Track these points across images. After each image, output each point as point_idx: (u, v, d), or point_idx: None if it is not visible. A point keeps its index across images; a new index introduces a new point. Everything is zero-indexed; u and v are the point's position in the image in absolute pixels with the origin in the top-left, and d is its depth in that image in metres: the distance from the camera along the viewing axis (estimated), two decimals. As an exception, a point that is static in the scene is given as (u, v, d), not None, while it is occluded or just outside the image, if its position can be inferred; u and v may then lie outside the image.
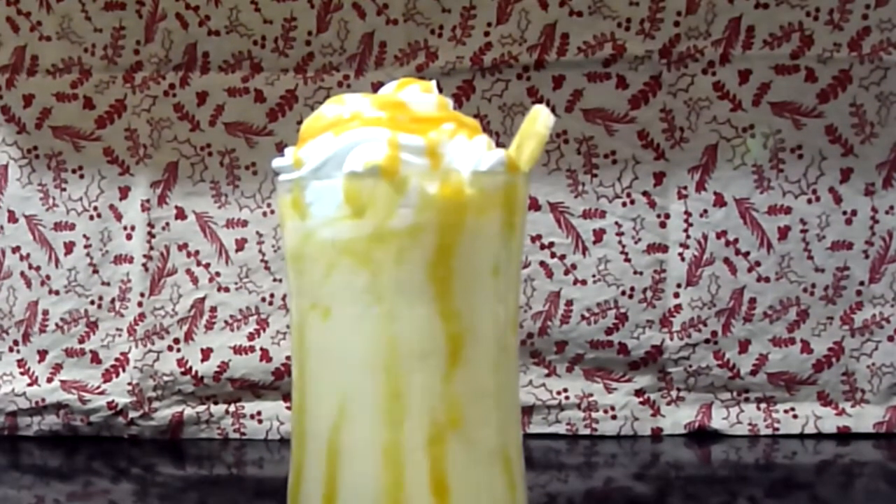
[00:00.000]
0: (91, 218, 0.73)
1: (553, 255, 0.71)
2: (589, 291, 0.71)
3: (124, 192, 0.73)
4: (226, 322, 0.73)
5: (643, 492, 0.62)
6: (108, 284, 0.73)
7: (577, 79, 0.70)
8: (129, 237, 0.73)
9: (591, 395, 0.72)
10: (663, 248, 0.71)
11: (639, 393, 0.72)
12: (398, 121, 0.36)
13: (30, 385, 0.74)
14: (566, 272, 0.71)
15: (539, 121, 0.37)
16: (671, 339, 0.71)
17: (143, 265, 0.73)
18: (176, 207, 0.73)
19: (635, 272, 0.71)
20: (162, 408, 0.73)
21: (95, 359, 0.74)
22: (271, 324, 0.73)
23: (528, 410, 0.72)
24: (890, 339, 0.71)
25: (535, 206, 0.71)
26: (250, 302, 0.73)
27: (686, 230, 0.71)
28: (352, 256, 0.35)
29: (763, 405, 0.72)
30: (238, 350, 0.73)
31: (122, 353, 0.74)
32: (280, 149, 0.38)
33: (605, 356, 0.72)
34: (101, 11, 0.72)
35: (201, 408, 0.73)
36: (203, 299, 0.73)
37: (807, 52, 0.69)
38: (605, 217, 0.71)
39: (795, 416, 0.71)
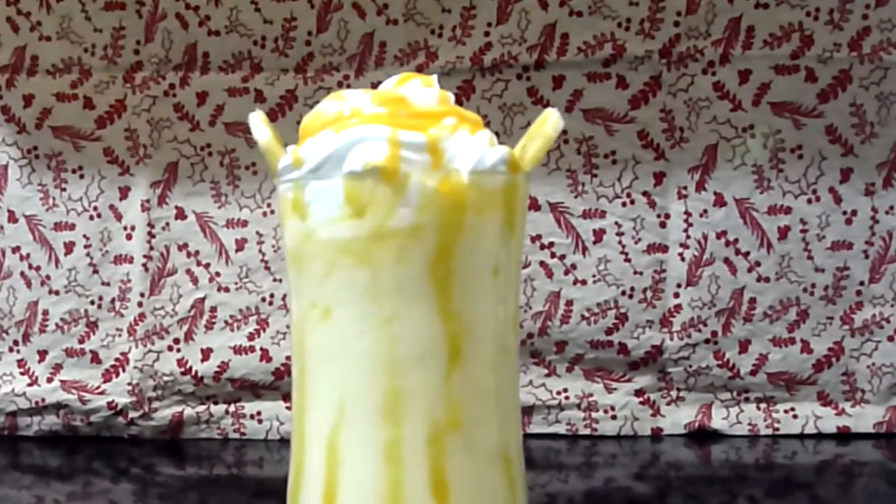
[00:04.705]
0: (91, 218, 0.73)
1: (553, 255, 0.71)
2: (589, 291, 0.71)
3: (124, 192, 0.73)
4: (226, 322, 0.73)
5: (643, 492, 0.62)
6: (108, 284, 0.73)
7: (577, 79, 0.70)
8: (129, 237, 0.73)
9: (591, 395, 0.72)
10: (663, 248, 0.71)
11: (639, 393, 0.72)
12: (398, 117, 0.35)
13: (30, 385, 0.74)
14: (566, 272, 0.71)
15: (548, 123, 0.37)
16: (671, 339, 0.71)
17: (143, 265, 0.73)
18: (176, 207, 0.73)
19: (635, 272, 0.71)
20: (162, 408, 0.73)
21: (95, 359, 0.74)
22: (271, 324, 0.73)
23: (528, 410, 0.72)
24: (890, 339, 0.71)
25: (535, 206, 0.71)
26: (250, 302, 0.73)
27: (686, 230, 0.71)
28: (352, 256, 0.35)
29: (763, 405, 0.72)
30: (238, 350, 0.73)
31: (122, 353, 0.74)
32: (280, 149, 0.38)
33: (605, 356, 0.72)
34: (101, 11, 0.72)
35: (201, 408, 0.73)
36: (203, 299, 0.73)
37: (807, 52, 0.69)
38: (605, 217, 0.71)
39: (795, 416, 0.71)
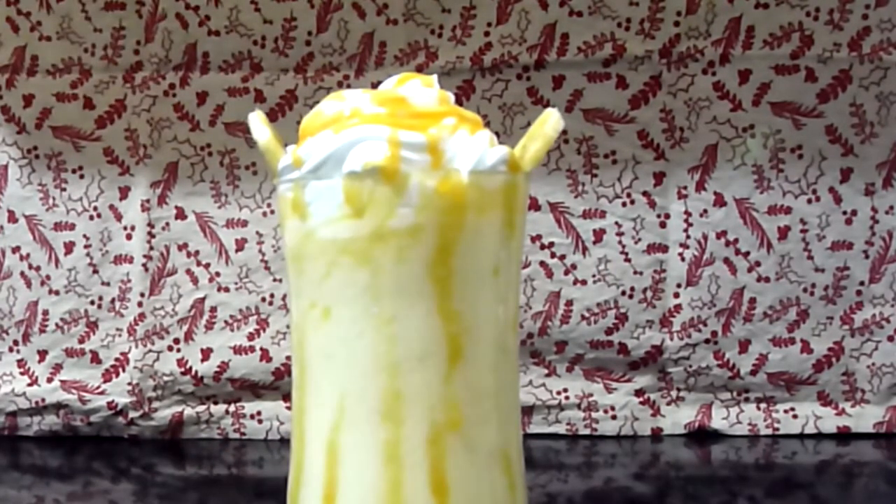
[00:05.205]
0: (91, 218, 0.73)
1: (553, 255, 0.71)
2: (589, 291, 0.71)
3: (124, 192, 0.73)
4: (226, 322, 0.73)
5: (643, 492, 0.62)
6: (108, 284, 0.73)
7: (577, 79, 0.70)
8: (129, 237, 0.73)
9: (591, 395, 0.72)
10: (663, 248, 0.71)
11: (639, 393, 0.72)
12: (398, 117, 0.35)
13: (30, 385, 0.74)
14: (566, 272, 0.71)
15: (548, 123, 0.37)
16: (671, 339, 0.71)
17: (143, 265, 0.73)
18: (176, 207, 0.73)
19: (635, 272, 0.71)
20: (162, 408, 0.73)
21: (95, 359, 0.74)
22: (271, 324, 0.73)
23: (528, 410, 0.72)
24: (890, 339, 0.71)
25: (535, 206, 0.71)
26: (250, 302, 0.73)
27: (686, 230, 0.71)
28: (352, 256, 0.35)
29: (763, 405, 0.72)
30: (238, 350, 0.73)
31: (122, 353, 0.74)
32: (280, 149, 0.38)
33: (605, 356, 0.72)
34: (101, 11, 0.72)
35: (201, 408, 0.73)
36: (203, 299, 0.73)
37: (807, 52, 0.69)
38: (605, 217, 0.71)
39: (795, 416, 0.71)
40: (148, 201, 0.73)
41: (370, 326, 0.35)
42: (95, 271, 0.73)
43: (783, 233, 0.70)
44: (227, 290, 0.73)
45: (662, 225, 0.71)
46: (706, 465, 0.68)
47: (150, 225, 0.73)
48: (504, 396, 0.37)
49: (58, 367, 0.74)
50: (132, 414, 0.73)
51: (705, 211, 0.70)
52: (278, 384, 0.73)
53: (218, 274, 0.73)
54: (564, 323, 0.71)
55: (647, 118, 0.70)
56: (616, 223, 0.71)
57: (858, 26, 0.68)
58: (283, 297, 0.72)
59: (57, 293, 0.74)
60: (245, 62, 0.71)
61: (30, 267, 0.74)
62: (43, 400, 0.74)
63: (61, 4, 0.72)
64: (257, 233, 0.72)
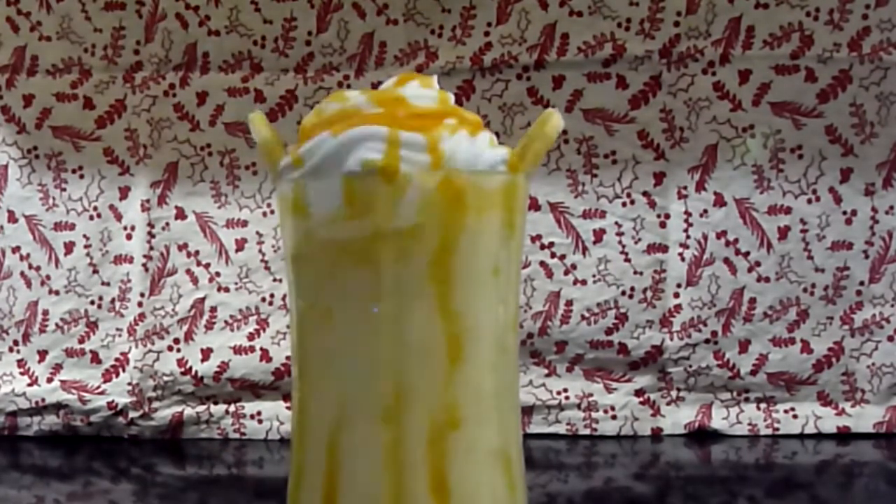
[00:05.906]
0: (91, 218, 0.73)
1: (553, 255, 0.71)
2: (589, 291, 0.71)
3: (124, 192, 0.73)
4: (226, 322, 0.73)
5: (643, 492, 0.62)
6: (108, 284, 0.73)
7: (577, 79, 0.70)
8: (129, 237, 0.73)
9: (591, 395, 0.72)
10: (663, 248, 0.71)
11: (639, 393, 0.72)
12: (398, 117, 0.36)
13: (30, 385, 0.74)
14: (566, 272, 0.71)
15: (549, 124, 0.37)
16: (671, 339, 0.71)
17: (143, 265, 0.73)
18: (176, 207, 0.73)
19: (635, 272, 0.71)
20: (162, 408, 0.73)
21: (95, 359, 0.74)
22: (271, 324, 0.73)
23: (528, 410, 0.72)
24: (890, 339, 0.71)
25: (535, 206, 0.71)
26: (250, 302, 0.73)
27: (686, 230, 0.71)
28: (352, 256, 0.35)
29: (763, 405, 0.72)
30: (238, 350, 0.73)
31: (122, 353, 0.74)
32: (280, 149, 0.38)
33: (605, 356, 0.72)
34: (101, 11, 0.72)
35: (201, 408, 0.73)
36: (203, 299, 0.73)
37: (807, 52, 0.69)
38: (605, 217, 0.71)
39: (795, 416, 0.71)
40: (148, 201, 0.73)
41: (370, 326, 0.35)
42: (95, 271, 0.73)
43: (783, 233, 0.70)
44: (227, 290, 0.73)
45: (662, 225, 0.71)
46: (706, 465, 0.68)
47: (150, 225, 0.73)
48: (504, 396, 0.37)
49: (58, 367, 0.74)
50: (132, 414, 0.73)
51: (705, 211, 0.70)
52: (278, 384, 0.73)
53: (218, 274, 0.73)
54: (564, 323, 0.71)
55: (647, 118, 0.70)
56: (616, 223, 0.71)
57: (858, 26, 0.68)
58: (283, 297, 0.72)
59: (57, 293, 0.74)
60: (245, 62, 0.71)
61: (30, 267, 0.74)
62: (43, 400, 0.74)
63: (61, 4, 0.72)
64: (257, 233, 0.72)
